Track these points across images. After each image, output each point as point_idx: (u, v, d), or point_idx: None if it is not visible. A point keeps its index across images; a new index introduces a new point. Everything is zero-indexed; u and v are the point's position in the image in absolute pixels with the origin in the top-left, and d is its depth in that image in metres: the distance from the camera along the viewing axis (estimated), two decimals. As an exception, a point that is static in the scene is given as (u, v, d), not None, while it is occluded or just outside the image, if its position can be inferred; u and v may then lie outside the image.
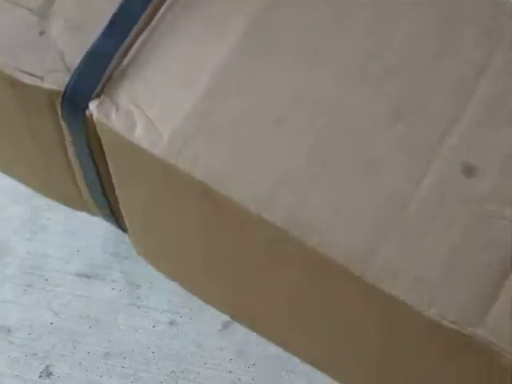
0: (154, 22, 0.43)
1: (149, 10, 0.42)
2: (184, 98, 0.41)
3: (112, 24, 0.42)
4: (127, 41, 0.42)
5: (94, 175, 0.47)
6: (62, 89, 0.42)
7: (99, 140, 0.44)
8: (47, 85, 0.42)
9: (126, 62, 0.42)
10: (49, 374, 0.67)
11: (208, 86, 0.40)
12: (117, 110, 0.41)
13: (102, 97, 0.42)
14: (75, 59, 0.42)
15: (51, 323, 0.69)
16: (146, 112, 0.41)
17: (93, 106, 0.41)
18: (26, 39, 0.44)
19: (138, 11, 0.42)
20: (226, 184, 0.39)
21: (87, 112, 0.42)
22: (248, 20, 0.42)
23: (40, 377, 0.67)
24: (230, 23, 0.42)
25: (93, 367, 0.67)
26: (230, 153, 0.39)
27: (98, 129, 0.42)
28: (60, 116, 0.43)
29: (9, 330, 0.69)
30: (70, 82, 0.41)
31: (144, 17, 0.42)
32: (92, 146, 0.45)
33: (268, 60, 0.41)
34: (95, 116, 0.41)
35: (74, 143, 0.46)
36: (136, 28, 0.42)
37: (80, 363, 0.67)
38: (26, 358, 0.67)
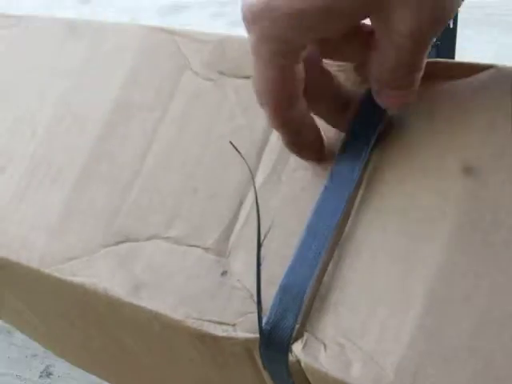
0: (343, 237, 0.37)
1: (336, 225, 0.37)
2: (402, 320, 0.34)
3: (302, 249, 0.37)
4: (320, 265, 0.36)
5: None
6: (258, 335, 0.36)
7: (308, 381, 0.37)
8: (241, 333, 0.37)
9: (323, 289, 0.36)
10: (49, 374, 0.68)
11: (426, 296, 0.34)
12: (325, 348, 0.35)
13: (306, 335, 0.36)
14: (265, 298, 0.37)
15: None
16: (359, 345, 0.34)
17: (297, 348, 0.35)
18: (208, 283, 0.40)
19: (325, 230, 0.37)
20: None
21: (290, 356, 0.36)
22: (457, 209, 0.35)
23: (40, 377, 0.68)
24: (434, 219, 0.35)
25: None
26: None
27: (307, 374, 0.36)
28: (260, 365, 0.38)
29: (9, 332, 0.70)
30: (265, 326, 0.36)
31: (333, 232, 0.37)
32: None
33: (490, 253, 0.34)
34: (303, 360, 0.35)
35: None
36: (326, 247, 0.37)
37: (79, 363, 0.67)
38: (26, 358, 0.67)
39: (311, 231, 0.37)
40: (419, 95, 0.36)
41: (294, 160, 0.41)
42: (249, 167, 0.39)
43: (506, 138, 0.35)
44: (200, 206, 0.42)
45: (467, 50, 0.60)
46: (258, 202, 0.39)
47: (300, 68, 0.35)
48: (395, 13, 0.32)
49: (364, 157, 0.37)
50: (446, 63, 0.37)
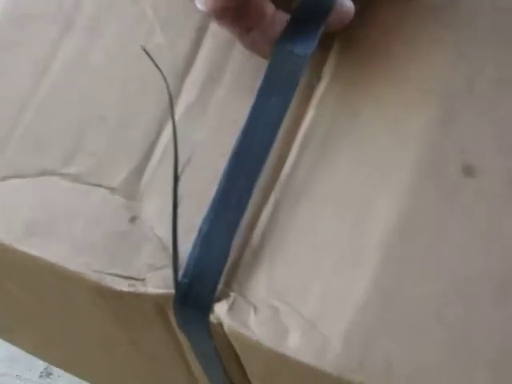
0: (281, 176, 0.31)
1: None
2: (351, 279, 0.28)
3: (226, 190, 0.30)
4: (249, 209, 0.30)
5: (220, 375, 0.35)
6: (173, 290, 0.29)
7: (232, 347, 0.31)
8: (151, 289, 0.30)
9: (254, 239, 0.30)
10: (49, 374, 0.67)
11: (380, 251, 0.28)
12: (255, 311, 0.28)
13: (232, 295, 0.29)
14: (182, 248, 0.30)
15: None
16: (298, 309, 0.28)
17: (220, 309, 0.29)
18: (113, 230, 0.32)
19: (255, 165, 0.30)
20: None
21: (212, 318, 0.29)
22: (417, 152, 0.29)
23: (40, 377, 0.67)
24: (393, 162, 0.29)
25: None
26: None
27: (231, 340, 0.30)
28: (175, 325, 0.31)
29: (9, 330, 0.71)
30: (182, 280, 0.29)
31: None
32: (221, 351, 0.32)
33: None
34: (226, 325, 0.29)
35: (194, 351, 0.33)
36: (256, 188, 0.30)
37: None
38: (26, 358, 0.64)
39: (238, 167, 0.30)
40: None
41: (223, 87, 0.33)
42: (168, 90, 0.32)
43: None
44: (107, 138, 0.34)
45: None
46: (177, 134, 0.32)
47: None
48: None
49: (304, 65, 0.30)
50: None
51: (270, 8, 0.31)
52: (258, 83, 0.32)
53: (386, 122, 0.30)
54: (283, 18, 0.31)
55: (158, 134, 0.34)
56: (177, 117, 0.33)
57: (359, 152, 0.30)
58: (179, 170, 0.32)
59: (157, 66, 0.31)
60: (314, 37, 0.30)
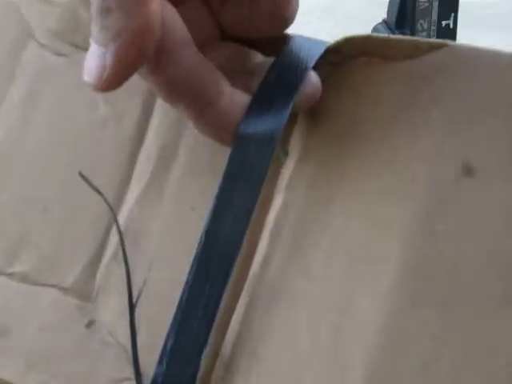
0: (252, 279, 0.28)
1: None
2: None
3: (192, 292, 0.27)
4: (220, 315, 0.27)
5: None
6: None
7: None
8: None
9: (226, 349, 0.27)
10: None
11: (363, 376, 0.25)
12: None
13: None
14: (146, 360, 0.27)
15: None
16: None
17: None
18: (69, 338, 0.29)
19: (223, 265, 0.27)
20: None
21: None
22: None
23: None
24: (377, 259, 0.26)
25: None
26: None
27: None
28: None
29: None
30: None
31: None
32: None
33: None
34: None
35: None
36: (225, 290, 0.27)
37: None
38: None
39: (203, 272, 0.26)
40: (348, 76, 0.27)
41: (179, 167, 0.30)
42: (108, 204, 0.28)
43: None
44: (53, 230, 0.31)
45: None
46: (132, 225, 0.29)
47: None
48: None
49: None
50: (384, 39, 0.28)
51: (227, 87, 0.27)
52: (215, 160, 0.29)
53: (363, 212, 0.26)
54: (243, 99, 0.27)
55: (111, 223, 0.30)
56: (131, 203, 0.30)
57: (336, 245, 0.27)
58: (137, 268, 0.28)
59: (97, 190, 0.28)
60: (281, 119, 0.27)
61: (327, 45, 0.28)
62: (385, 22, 0.50)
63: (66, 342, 0.29)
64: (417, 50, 0.27)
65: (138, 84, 0.29)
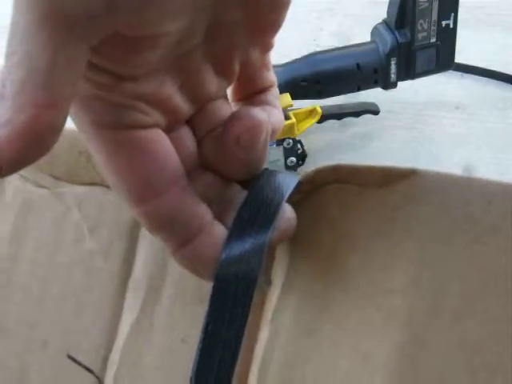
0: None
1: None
2: None
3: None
4: None
5: None
6: None
7: None
8: None
9: None
10: None
11: None
12: None
13: None
14: None
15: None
16: None
17: None
18: None
19: None
20: None
21: None
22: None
23: None
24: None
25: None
26: None
27: None
28: None
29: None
30: None
31: None
32: None
33: None
34: None
35: None
36: None
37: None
38: None
39: None
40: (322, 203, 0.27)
41: (166, 297, 0.31)
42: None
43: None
44: (53, 365, 0.31)
45: (467, 50, 0.56)
46: (124, 361, 0.29)
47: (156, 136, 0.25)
48: None
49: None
50: (354, 168, 0.28)
51: (209, 219, 0.27)
52: (202, 287, 0.29)
53: (347, 346, 0.27)
54: (221, 232, 0.27)
55: (107, 357, 0.31)
56: (125, 335, 0.31)
57: (323, 379, 0.27)
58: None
59: (86, 368, 0.29)
60: (258, 256, 0.27)
61: (299, 177, 0.28)
62: (385, 22, 0.51)
63: None
64: (387, 179, 0.27)
65: (122, 215, 0.30)
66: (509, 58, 0.67)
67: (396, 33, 0.52)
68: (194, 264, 0.27)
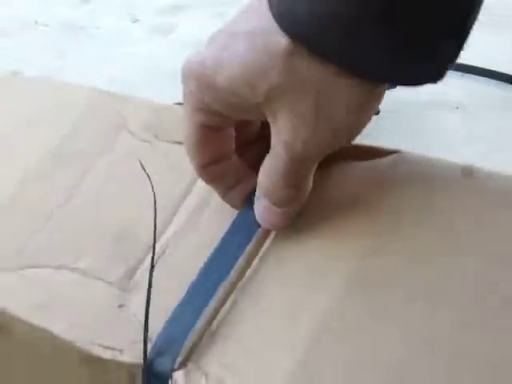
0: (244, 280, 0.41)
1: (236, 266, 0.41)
2: (283, 362, 0.37)
3: (195, 286, 0.41)
4: (214, 301, 0.40)
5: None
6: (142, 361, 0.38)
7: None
8: (127, 358, 0.39)
9: (215, 323, 0.39)
10: None
11: (309, 345, 0.37)
12: (206, 378, 0.37)
13: (189, 365, 0.38)
14: (156, 329, 0.40)
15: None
16: (241, 379, 0.37)
17: (178, 376, 0.38)
18: (105, 312, 0.42)
19: (222, 270, 0.40)
20: None
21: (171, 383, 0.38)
22: (348, 271, 0.39)
23: None
24: (327, 274, 0.39)
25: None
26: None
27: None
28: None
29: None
30: (150, 353, 0.38)
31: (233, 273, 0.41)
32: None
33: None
34: (182, 387, 0.38)
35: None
36: (225, 284, 0.40)
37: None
38: None
39: (208, 271, 0.40)
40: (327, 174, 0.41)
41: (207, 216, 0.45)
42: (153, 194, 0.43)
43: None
44: (109, 249, 0.45)
45: (467, 50, 0.61)
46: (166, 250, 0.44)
47: (226, 129, 0.39)
48: (279, 120, 0.35)
49: None
50: (354, 146, 0.41)
51: (246, 170, 0.41)
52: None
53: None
54: (254, 178, 0.40)
55: (150, 246, 0.44)
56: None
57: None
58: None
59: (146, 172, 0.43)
60: None
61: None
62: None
63: (102, 314, 0.41)
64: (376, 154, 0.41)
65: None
66: (509, 58, 0.69)
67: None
68: (235, 201, 0.42)
